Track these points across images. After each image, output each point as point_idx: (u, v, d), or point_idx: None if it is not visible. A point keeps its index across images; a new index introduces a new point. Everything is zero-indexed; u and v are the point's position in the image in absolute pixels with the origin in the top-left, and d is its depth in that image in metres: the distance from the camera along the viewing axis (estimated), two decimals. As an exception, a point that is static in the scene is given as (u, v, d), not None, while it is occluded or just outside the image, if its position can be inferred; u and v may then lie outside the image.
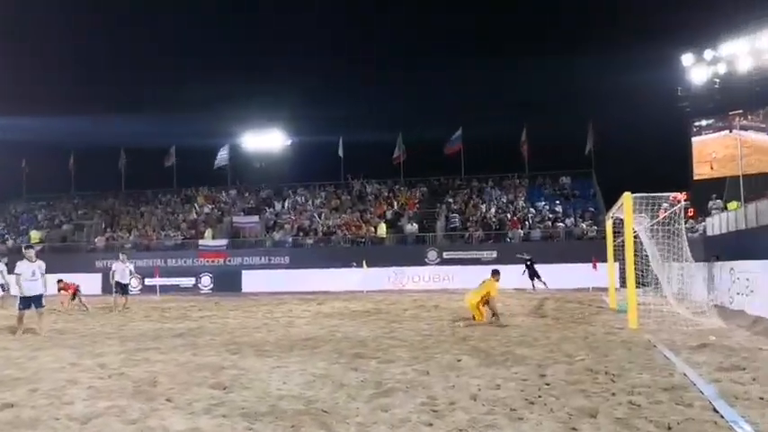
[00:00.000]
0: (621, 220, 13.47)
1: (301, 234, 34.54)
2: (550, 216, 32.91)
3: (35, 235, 37.08)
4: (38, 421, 5.81)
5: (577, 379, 7.25)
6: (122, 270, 19.77)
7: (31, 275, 13.46)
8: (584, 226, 31.16)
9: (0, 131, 38.67)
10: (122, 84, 52.91)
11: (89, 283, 26.51)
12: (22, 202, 44.52)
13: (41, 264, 13.83)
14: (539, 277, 26.05)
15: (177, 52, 52.54)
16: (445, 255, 30.90)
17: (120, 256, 20.59)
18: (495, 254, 30.02)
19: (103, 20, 51.75)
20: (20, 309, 13.49)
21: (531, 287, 25.88)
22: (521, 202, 35.05)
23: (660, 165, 39.69)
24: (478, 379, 7.41)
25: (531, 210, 33.83)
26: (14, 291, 15.05)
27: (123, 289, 19.74)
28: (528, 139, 39.06)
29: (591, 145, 38.08)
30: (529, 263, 26.33)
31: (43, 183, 44.88)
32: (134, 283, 30.49)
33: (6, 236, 38.48)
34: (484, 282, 14.18)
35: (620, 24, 49.23)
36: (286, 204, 38.95)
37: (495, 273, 14.49)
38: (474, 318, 13.92)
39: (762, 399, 6.03)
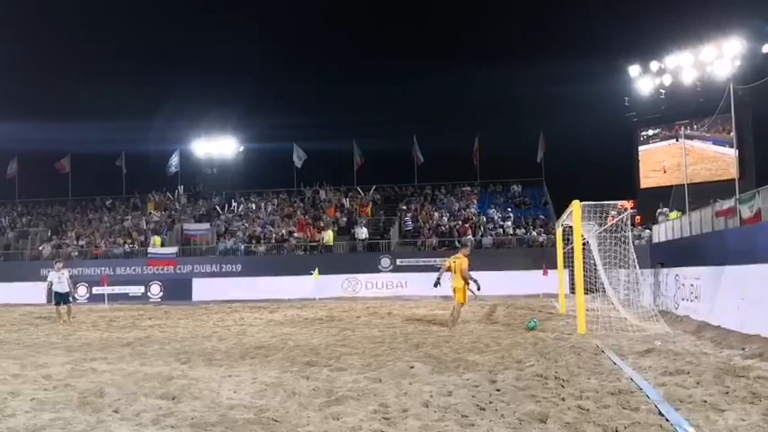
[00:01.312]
0: (571, 227, 13.71)
1: (253, 242, 34.22)
2: (501, 223, 33.31)
3: (-24, 243, 35.98)
4: (-23, 435, 5.63)
5: (527, 384, 7.34)
6: (59, 279, 18.83)
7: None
8: (535, 233, 31.62)
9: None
10: (70, 87, 51.64)
11: (34, 292, 25.79)
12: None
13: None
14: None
15: (127, 55, 51.57)
16: (399, 262, 30.97)
17: (56, 264, 19.64)
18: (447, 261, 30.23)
19: (50, 19, 50.48)
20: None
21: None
22: (473, 210, 35.40)
23: (609, 173, 40.59)
24: (430, 386, 7.44)
25: (483, 217, 34.19)
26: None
27: (63, 298, 18.74)
28: (480, 148, 39.51)
29: (542, 153, 38.70)
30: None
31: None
32: (81, 292, 29.88)
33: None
34: (454, 260, 14.33)
35: (570, 35, 50.25)
36: (238, 211, 38.57)
37: (464, 246, 14.86)
38: (458, 300, 14.30)
39: (705, 402, 6.19)
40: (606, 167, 40.97)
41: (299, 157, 40.61)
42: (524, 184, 38.51)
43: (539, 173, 38.76)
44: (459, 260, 14.27)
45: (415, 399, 6.77)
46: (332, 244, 32.65)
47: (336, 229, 34.08)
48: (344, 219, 35.68)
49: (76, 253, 34.49)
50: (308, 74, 55.09)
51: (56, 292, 18.65)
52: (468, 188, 38.73)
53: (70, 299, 19.16)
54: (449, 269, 14.42)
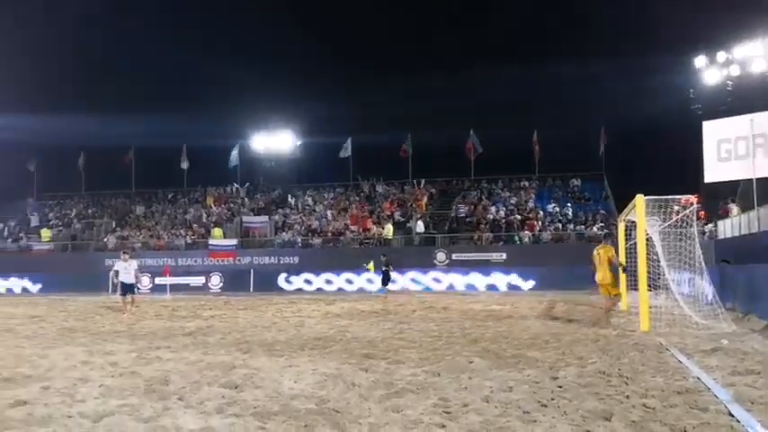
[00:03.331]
0: (634, 222, 13.37)
1: (310, 234, 34.57)
2: (560, 218, 32.81)
3: (46, 233, 37.26)
4: (50, 419, 5.82)
5: (590, 382, 7.20)
6: (125, 269, 18.82)
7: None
8: (596, 229, 31.02)
9: (12, 131, 38.95)
10: (134, 83, 53.17)
11: (99, 282, 26.59)
12: (33, 201, 44.72)
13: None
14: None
15: (190, 51, 52.57)
16: (454, 256, 30.83)
17: (122, 254, 19.61)
18: (504, 256, 29.97)
19: (116, 19, 51.94)
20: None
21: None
22: (530, 205, 34.95)
23: (672, 167, 39.51)
24: (490, 381, 7.37)
25: (541, 212, 33.73)
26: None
27: (128, 288, 18.77)
28: (539, 141, 38.99)
29: (603, 147, 37.96)
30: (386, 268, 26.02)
31: (54, 182, 45.19)
32: (144, 282, 30.70)
33: (21, 234, 38.69)
34: (599, 251, 13.61)
35: (634, 27, 49.08)
36: (295, 205, 39.01)
37: (607, 236, 14.26)
38: (611, 296, 13.63)
39: (778, 403, 5.97)
40: (669, 161, 39.93)
41: (345, 151, 40.93)
42: (584, 178, 37.83)
43: (599, 167, 38.04)
44: (605, 250, 13.46)
45: (475, 393, 6.72)
46: (391, 237, 32.68)
47: (393, 222, 34.11)
48: (399, 213, 35.69)
49: (139, 244, 35.41)
50: (366, 68, 55.23)
51: (121, 282, 18.67)
52: (526, 182, 38.26)
53: (135, 289, 19.26)
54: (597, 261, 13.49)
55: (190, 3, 53.55)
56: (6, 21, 44.32)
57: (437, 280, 29.60)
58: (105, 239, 36.36)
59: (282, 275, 30.99)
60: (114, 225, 38.99)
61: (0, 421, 5.73)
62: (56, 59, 47.29)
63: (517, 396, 6.57)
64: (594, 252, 13.82)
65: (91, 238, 37.49)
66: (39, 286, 32.54)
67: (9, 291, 32.39)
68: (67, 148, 43.72)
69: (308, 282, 30.50)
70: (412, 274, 29.70)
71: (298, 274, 30.98)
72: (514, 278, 28.47)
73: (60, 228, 39.06)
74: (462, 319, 15.08)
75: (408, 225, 34.13)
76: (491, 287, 28.37)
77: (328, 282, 30.22)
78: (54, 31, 48.43)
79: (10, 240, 38.10)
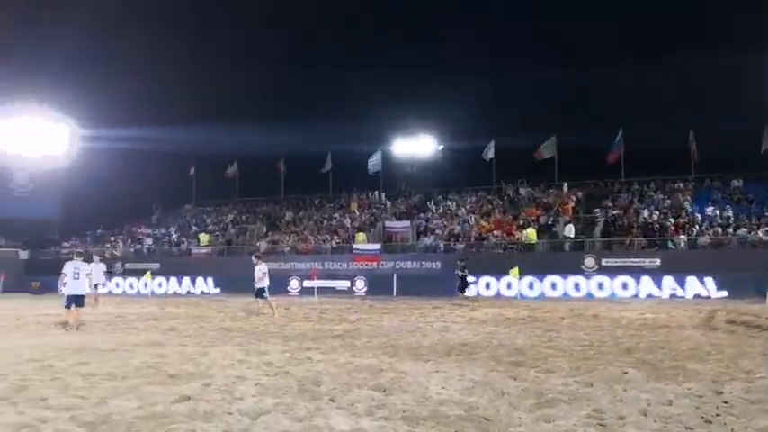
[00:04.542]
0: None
1: (452, 239, 34.53)
2: (720, 222, 30.70)
3: (204, 238, 39.65)
4: (212, 415, 6.13)
5: (760, 398, 6.67)
6: (259, 271, 19.21)
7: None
8: (761, 233, 28.74)
9: (173, 142, 42.04)
10: (283, 94, 55.67)
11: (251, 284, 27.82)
12: (192, 207, 47.88)
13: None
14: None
15: (334, 60, 54.20)
16: (604, 262, 29.61)
17: (254, 258, 20.01)
18: (657, 261, 28.43)
19: (259, 32, 54.50)
20: None
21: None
22: (687, 207, 32.96)
23: None
24: (647, 393, 7.01)
25: (698, 215, 31.72)
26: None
27: (258, 293, 19.13)
28: (695, 139, 36.77)
29: (767, 145, 35.22)
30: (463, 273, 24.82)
31: (211, 189, 48.12)
32: (293, 285, 31.97)
33: (182, 238, 41.45)
34: None
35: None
36: (437, 210, 39.12)
37: None
38: None
39: None
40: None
41: (488, 153, 40.59)
42: (746, 178, 35.19)
43: (764, 166, 35.24)
44: None
45: (631, 406, 6.41)
46: (534, 242, 31.96)
47: (537, 227, 33.34)
48: (544, 216, 34.85)
49: (288, 248, 36.86)
50: (508, 69, 54.44)
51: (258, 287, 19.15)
52: (681, 184, 36.16)
53: (264, 293, 19.22)
54: None
55: (333, 13, 55.03)
56: (165, 39, 47.83)
57: (581, 287, 28.57)
58: (257, 244, 38.13)
59: (425, 280, 31.09)
60: (265, 230, 40.86)
61: (166, 415, 6.10)
62: (211, 74, 50.35)
63: (678, 410, 6.20)
64: None
65: (244, 242, 39.45)
66: (198, 288, 34.62)
67: (175, 293, 34.54)
68: (223, 158, 46.44)
69: (449, 286, 30.35)
70: (553, 279, 28.88)
71: (441, 278, 30.94)
72: (669, 285, 26.91)
73: (217, 233, 41.45)
74: (614, 328, 14.47)
75: (554, 229, 33.25)
76: (643, 295, 27.00)
77: (473, 286, 29.90)
78: (207, 44, 51.65)
79: (173, 244, 40.92)
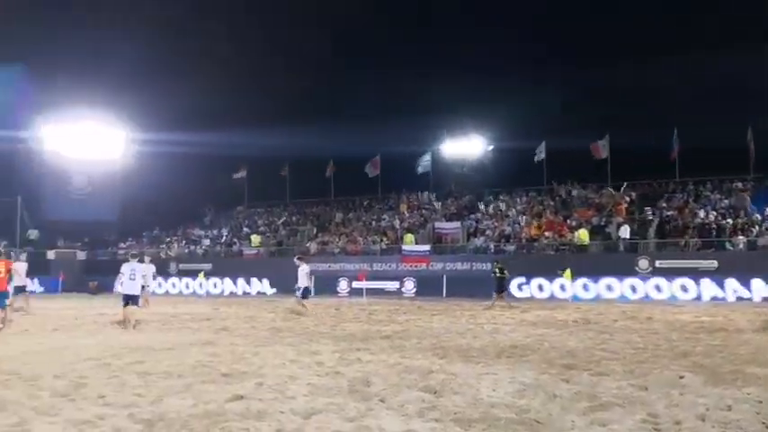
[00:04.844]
0: None
1: (502, 240, 34.23)
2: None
3: (255, 239, 40.16)
4: (265, 414, 6.21)
5: (823, 404, 6.45)
6: (302, 272, 19.83)
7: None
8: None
9: (225, 145, 42.78)
10: (331, 96, 56.07)
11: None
12: (244, 209, 48.58)
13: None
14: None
15: (382, 62, 54.27)
16: (658, 264, 28.93)
17: (296, 260, 20.51)
18: (715, 263, 27.64)
19: (308, 33, 54.95)
20: None
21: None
22: (745, 207, 31.95)
23: None
24: (705, 398, 6.86)
25: (758, 215, 30.74)
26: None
27: (301, 292, 19.75)
28: (754, 137, 35.69)
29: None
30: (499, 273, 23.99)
31: (262, 191, 48.73)
32: (342, 285, 32.17)
33: (234, 239, 42.08)
34: None
35: None
36: (487, 210, 38.84)
37: None
38: None
39: None
40: None
41: (540, 154, 40.19)
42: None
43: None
44: None
45: (688, 411, 6.27)
46: (586, 243, 31.43)
47: (589, 227, 32.78)
48: (596, 217, 34.26)
49: (337, 249, 37.07)
50: (558, 68, 53.67)
51: (299, 287, 19.74)
52: (740, 183, 35.11)
53: (306, 292, 20.01)
54: None
55: (383, 13, 55.04)
56: (216, 43, 48.70)
57: (638, 289, 27.95)
58: (308, 245, 38.46)
59: (475, 281, 30.84)
60: (315, 231, 41.18)
61: (220, 414, 6.21)
62: (262, 78, 51.05)
63: (737, 416, 6.05)
64: None
65: (294, 243, 39.82)
66: (251, 288, 35.07)
67: (231, 294, 34.97)
68: (274, 161, 46.98)
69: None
70: (608, 281, 28.31)
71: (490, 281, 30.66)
72: (728, 288, 26.14)
73: (268, 234, 41.95)
74: (669, 331, 14.16)
75: (607, 230, 32.65)
76: (706, 297, 26.25)
77: (519, 287, 29.60)
78: (260, 49, 52.34)
79: (225, 245, 41.58)
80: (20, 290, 19.62)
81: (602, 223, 33.50)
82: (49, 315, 19.19)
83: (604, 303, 25.07)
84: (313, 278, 19.93)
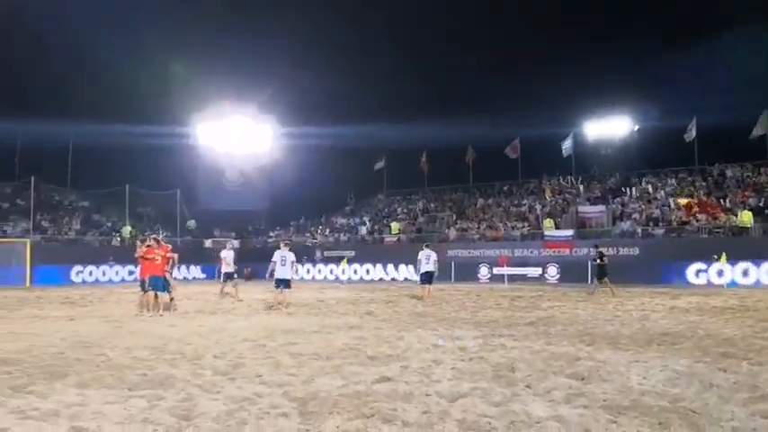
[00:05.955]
0: None
1: (651, 224, 32.69)
2: None
3: (395, 226, 40.77)
4: (411, 395, 6.37)
5: None
6: (426, 258, 20.00)
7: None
8: None
9: (365, 137, 43.85)
10: (466, 83, 55.79)
11: (444, 271, 28.12)
12: (383, 197, 49.44)
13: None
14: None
15: (521, 43, 53.18)
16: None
17: (424, 249, 20.62)
18: None
19: (444, 19, 54.84)
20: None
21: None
22: None
23: None
24: None
25: None
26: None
27: (429, 277, 19.96)
28: None
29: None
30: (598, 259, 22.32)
31: (401, 179, 49.41)
32: (483, 272, 32.02)
33: (375, 226, 42.98)
34: None
35: None
36: (634, 193, 37.22)
37: None
38: None
39: None
40: None
41: (690, 134, 37.95)
42: None
43: None
44: None
45: None
46: (749, 226, 29.24)
47: (750, 209, 30.50)
48: (754, 198, 31.88)
49: (477, 236, 36.90)
50: (706, 41, 50.38)
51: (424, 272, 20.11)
52: None
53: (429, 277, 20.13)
54: None
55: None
56: (357, 39, 49.73)
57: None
58: (447, 231, 38.56)
59: (622, 264, 29.66)
60: (454, 218, 41.20)
61: (368, 394, 6.43)
62: (400, 71, 51.76)
63: None
64: None
65: (434, 230, 40.07)
66: (390, 275, 35.70)
67: (376, 279, 35.85)
68: (412, 149, 47.45)
69: (649, 274, 28.76)
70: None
71: (639, 264, 29.41)
72: None
73: (407, 221, 42.46)
74: None
75: (767, 212, 30.33)
76: None
77: (672, 274, 28.13)
78: (398, 38, 52.91)
79: (366, 232, 42.53)
80: (229, 276, 21.20)
81: (761, 204, 31.15)
82: (207, 300, 20.50)
83: (763, 290, 23.37)
84: (437, 264, 20.12)
